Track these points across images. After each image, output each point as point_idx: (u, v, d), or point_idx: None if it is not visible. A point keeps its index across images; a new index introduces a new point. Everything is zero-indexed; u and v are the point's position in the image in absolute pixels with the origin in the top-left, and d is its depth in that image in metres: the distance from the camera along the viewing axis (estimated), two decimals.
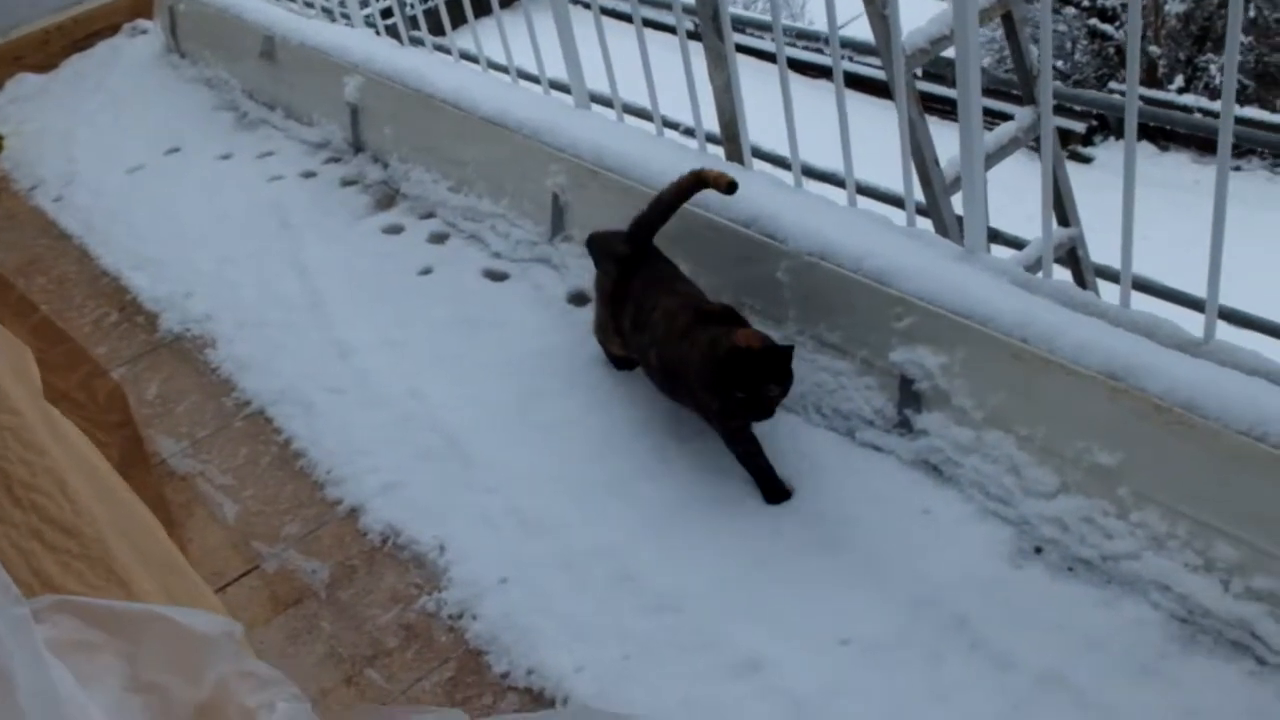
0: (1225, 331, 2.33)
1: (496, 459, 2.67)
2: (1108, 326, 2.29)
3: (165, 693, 1.19)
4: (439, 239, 3.60)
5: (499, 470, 2.64)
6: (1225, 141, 2.09)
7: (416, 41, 4.13)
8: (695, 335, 2.43)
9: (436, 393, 2.91)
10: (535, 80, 3.71)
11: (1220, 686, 1.95)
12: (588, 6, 3.43)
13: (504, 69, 3.77)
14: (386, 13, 4.16)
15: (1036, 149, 2.49)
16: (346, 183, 3.97)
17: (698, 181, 2.64)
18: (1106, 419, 2.18)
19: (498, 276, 3.38)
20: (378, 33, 4.22)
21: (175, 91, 4.84)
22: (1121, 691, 1.97)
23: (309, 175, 4.06)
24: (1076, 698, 1.95)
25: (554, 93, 3.62)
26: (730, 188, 2.61)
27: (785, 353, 2.34)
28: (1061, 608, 2.13)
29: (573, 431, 2.71)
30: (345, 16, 4.37)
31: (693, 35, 3.11)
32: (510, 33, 3.61)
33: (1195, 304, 2.30)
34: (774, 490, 2.45)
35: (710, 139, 3.25)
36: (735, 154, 3.20)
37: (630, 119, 3.46)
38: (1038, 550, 2.25)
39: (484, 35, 3.76)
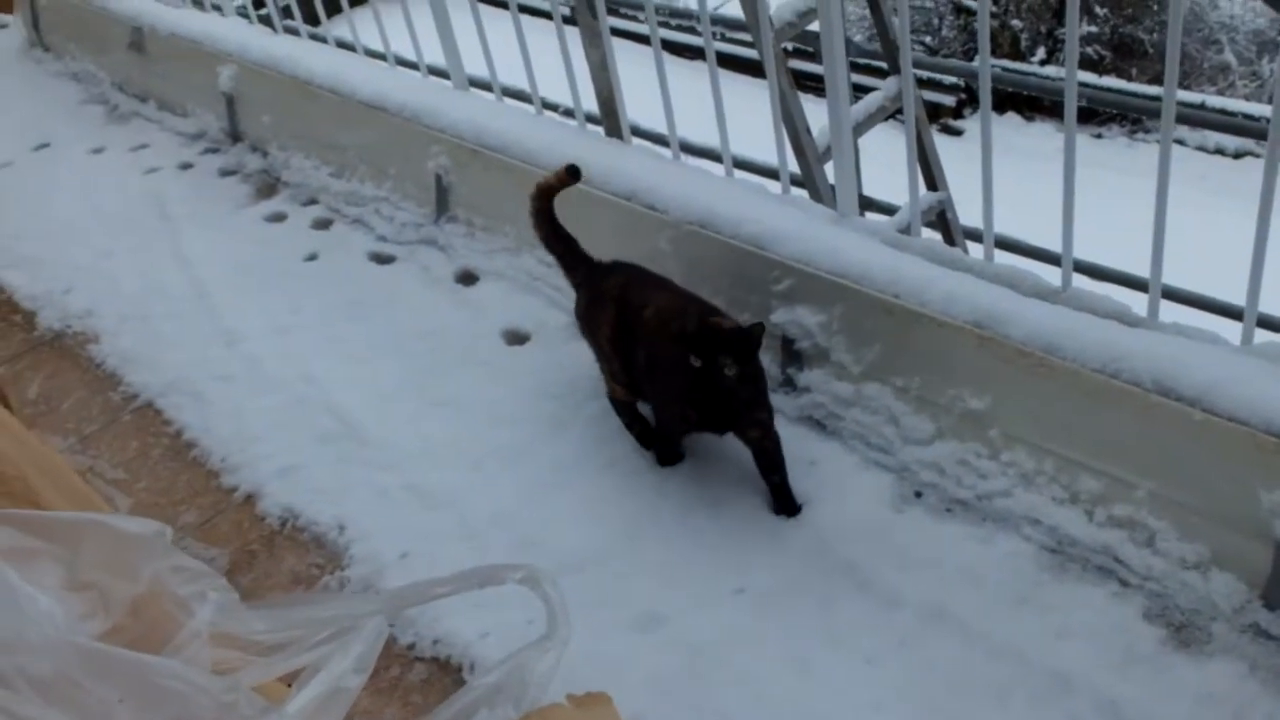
0: (1086, 285, 2.48)
1: (392, 437, 2.70)
2: (974, 279, 2.41)
3: (104, 589, 1.23)
4: (323, 225, 3.60)
5: (395, 447, 2.67)
6: (1071, 108, 2.23)
7: (291, 31, 4.10)
8: (673, 324, 2.32)
9: (328, 375, 2.92)
10: (414, 66, 3.73)
11: (1089, 609, 2.08)
12: None
13: (381, 56, 3.77)
14: (259, 2, 4.12)
15: (904, 120, 2.60)
16: (226, 173, 3.93)
17: (544, 193, 2.62)
18: (975, 366, 2.30)
19: (384, 259, 3.39)
20: (250, 22, 4.18)
21: (41, 86, 4.73)
22: (1000, 620, 2.09)
23: (186, 167, 4.01)
24: (959, 628, 2.06)
25: (433, 78, 3.64)
26: (571, 173, 2.59)
27: (749, 335, 2.24)
28: (942, 547, 2.24)
29: (468, 406, 2.75)
30: (216, 7, 4.31)
31: (569, 20, 3.16)
32: (387, 22, 3.62)
33: (1055, 259, 2.44)
34: (662, 454, 2.51)
35: (590, 119, 3.31)
36: (614, 130, 3.26)
37: (510, 101, 3.49)
38: (918, 495, 2.37)
39: (360, 24, 3.76)
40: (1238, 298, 2.20)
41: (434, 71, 3.66)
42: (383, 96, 3.47)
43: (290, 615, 1.42)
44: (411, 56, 3.67)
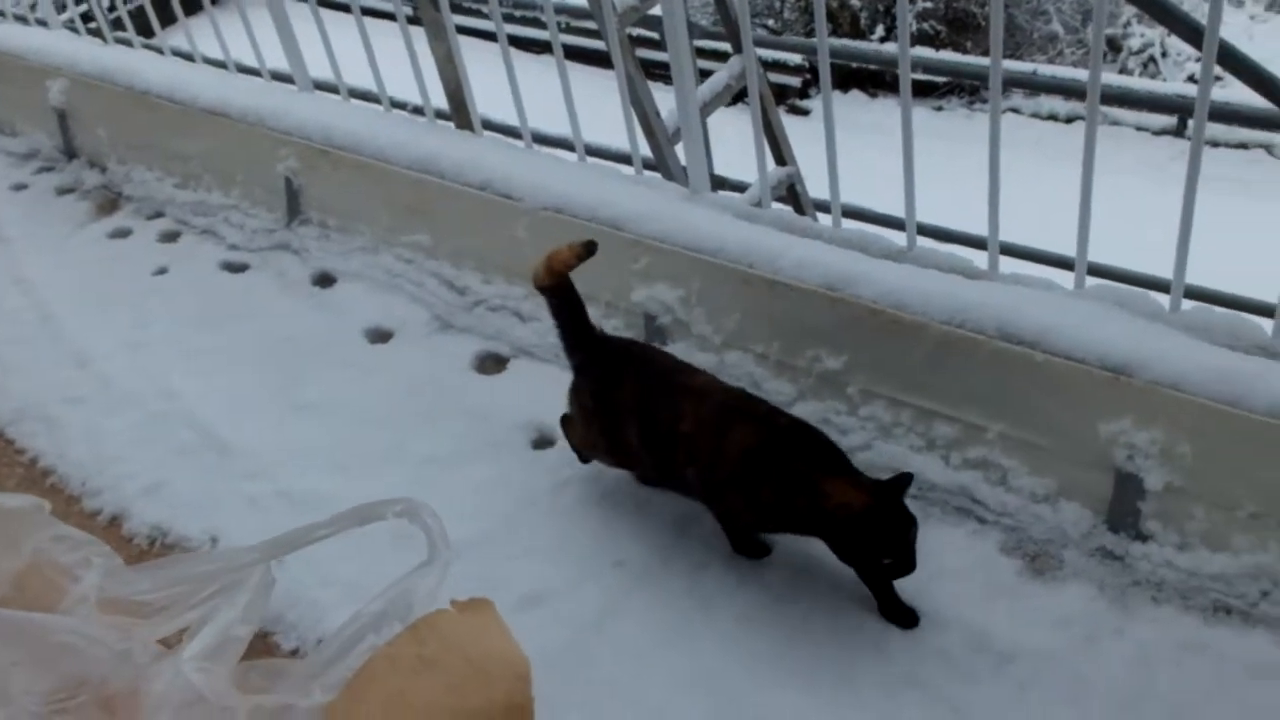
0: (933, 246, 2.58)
1: (259, 444, 2.66)
2: (824, 245, 2.49)
3: None
4: (171, 237, 3.52)
5: (262, 455, 2.63)
6: (905, 83, 2.32)
7: (124, 42, 3.99)
8: (777, 473, 2.02)
9: (188, 389, 2.86)
10: (255, 73, 3.67)
11: (952, 548, 2.18)
12: None
13: (221, 64, 3.70)
14: (88, 16, 4.00)
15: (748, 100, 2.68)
16: (62, 191, 3.82)
17: (561, 270, 2.29)
18: (830, 327, 2.37)
19: (238, 268, 3.34)
20: (79, 34, 4.05)
21: None
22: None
23: (20, 188, 3.88)
24: (830, 580, 2.13)
25: (276, 82, 3.59)
26: (589, 248, 2.28)
27: (898, 497, 1.96)
28: None
29: (334, 407, 2.73)
30: (41, 21, 4.17)
31: (413, 20, 3.16)
32: (226, 29, 3.55)
33: (901, 224, 2.54)
34: (748, 545, 2.21)
35: (441, 116, 3.30)
36: (465, 123, 3.27)
37: (357, 103, 3.46)
38: None
39: (198, 32, 3.68)
40: (1070, 249, 2.32)
41: (277, 76, 3.60)
42: (225, 102, 3.41)
43: (175, 573, 1.41)
44: (252, 62, 3.61)
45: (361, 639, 1.43)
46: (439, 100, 3.27)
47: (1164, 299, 2.23)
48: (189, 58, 3.79)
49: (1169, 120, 8.90)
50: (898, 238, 2.55)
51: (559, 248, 2.27)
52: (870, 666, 1.99)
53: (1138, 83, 8.39)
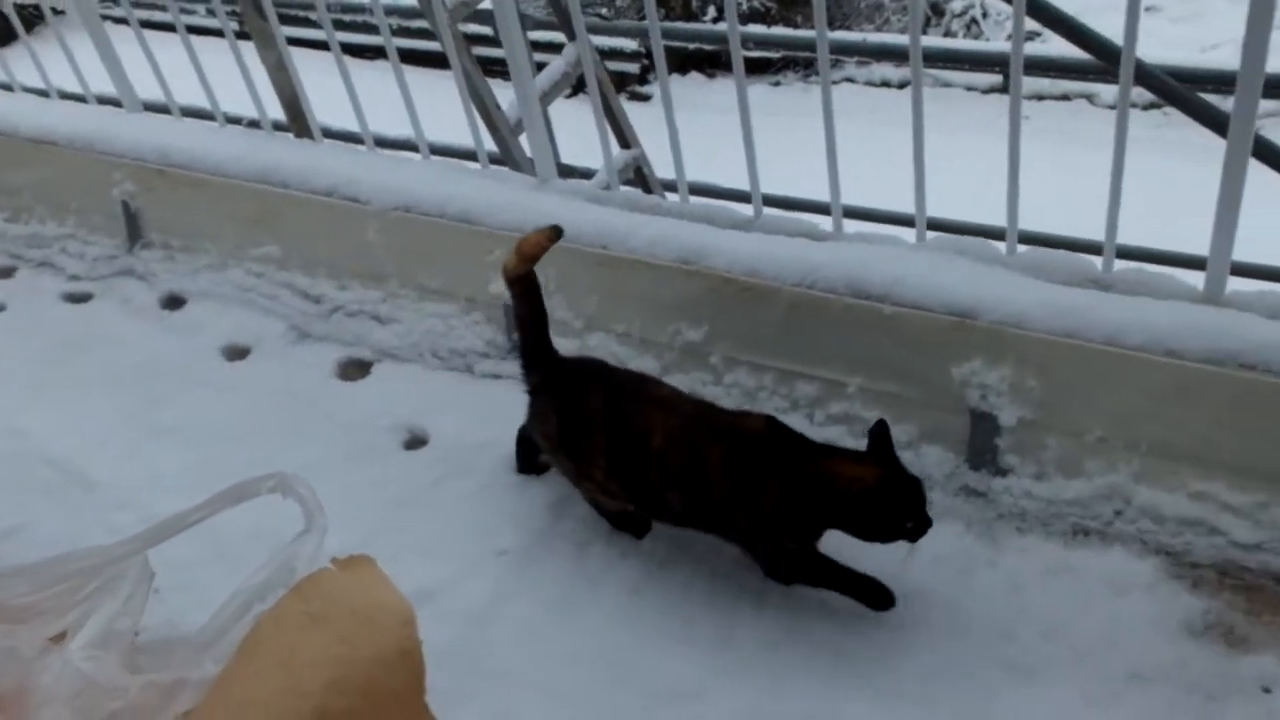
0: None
1: (120, 474, 2.58)
2: (674, 221, 2.53)
3: None
4: (5, 274, 3.39)
5: (126, 484, 2.55)
6: (737, 61, 2.38)
7: None
8: (771, 475, 1.94)
9: (39, 426, 2.76)
10: (80, 98, 3.56)
11: None
12: (120, 21, 3.33)
13: (43, 92, 3.58)
14: None
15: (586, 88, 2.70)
16: None
17: (531, 256, 2.19)
18: (688, 300, 2.42)
19: (80, 298, 3.23)
20: None
21: None
22: None
23: None
24: (707, 543, 2.17)
25: (102, 106, 3.48)
26: (556, 232, 2.21)
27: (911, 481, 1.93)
28: None
29: (195, 429, 2.67)
30: None
31: (241, 35, 3.10)
32: (45, 57, 3.42)
33: (748, 197, 2.60)
34: (881, 595, 2.01)
35: (279, 127, 3.25)
36: (304, 130, 3.22)
37: (191, 121, 3.38)
38: None
39: (14, 63, 3.55)
40: (911, 207, 2.41)
41: (104, 100, 3.50)
42: (49, 130, 3.29)
43: (53, 572, 1.39)
44: (76, 88, 3.50)
45: (248, 609, 1.44)
46: (275, 111, 3.22)
47: (1002, 245, 2.33)
48: (7, 88, 3.65)
49: (995, 78, 9.22)
50: (745, 209, 2.61)
51: (526, 234, 2.20)
52: (750, 623, 2.04)
53: (962, 44, 8.69)
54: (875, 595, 1.99)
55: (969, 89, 9.44)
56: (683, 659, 1.99)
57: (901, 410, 2.26)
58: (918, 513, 1.91)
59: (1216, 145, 2.04)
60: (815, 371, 2.33)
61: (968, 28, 10.03)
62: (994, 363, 2.12)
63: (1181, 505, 2.05)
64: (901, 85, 9.88)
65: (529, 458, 2.38)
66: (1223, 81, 3.92)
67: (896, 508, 1.89)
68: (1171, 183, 5.45)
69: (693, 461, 2.00)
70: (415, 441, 2.57)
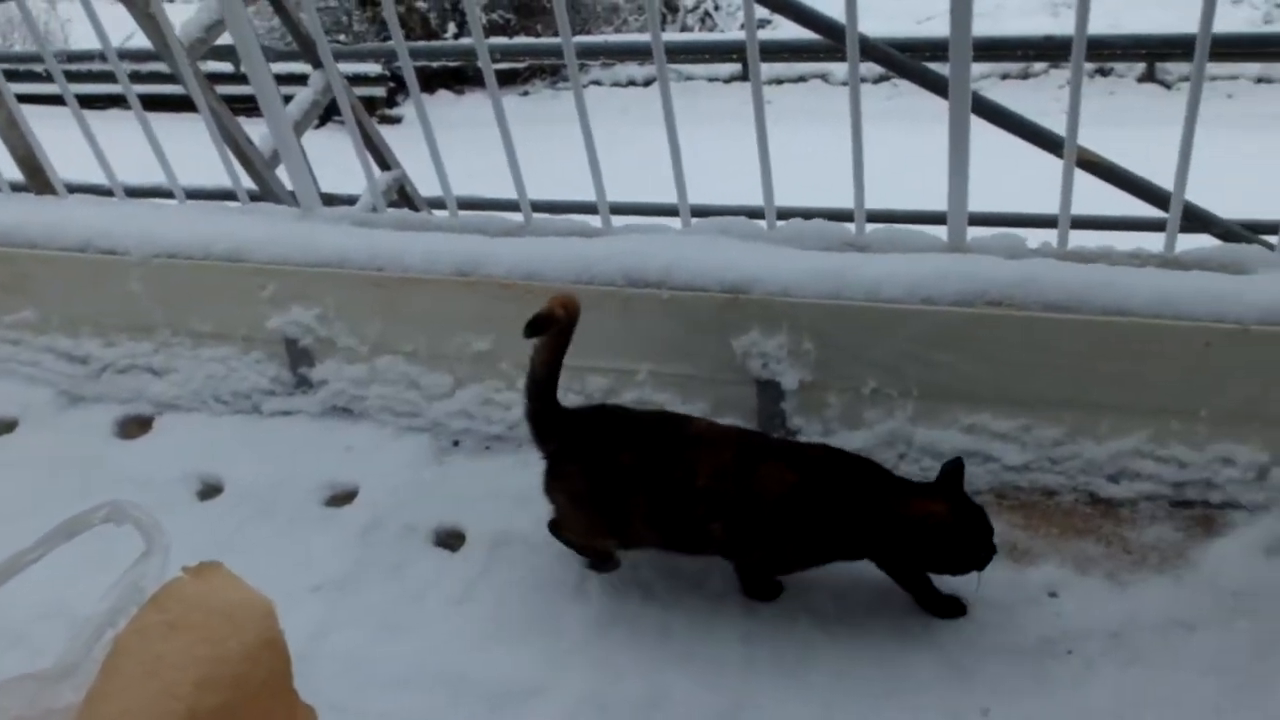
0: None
1: None
2: (446, 235, 2.56)
3: None
4: None
5: None
6: (489, 74, 2.41)
7: None
8: (838, 508, 1.92)
9: None
10: None
11: None
12: None
13: None
14: None
15: (338, 112, 2.69)
16: None
17: (557, 323, 2.02)
18: (471, 311, 2.44)
19: None
20: None
21: None
22: None
23: None
24: (525, 544, 2.22)
25: None
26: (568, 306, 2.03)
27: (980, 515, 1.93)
28: (491, 481, 2.38)
29: None
30: None
31: None
32: None
33: (515, 205, 2.63)
34: (945, 603, 2.01)
35: (17, 186, 3.10)
36: (45, 187, 3.09)
37: None
38: (455, 443, 2.50)
39: None
40: (671, 197, 2.50)
41: None
42: None
43: None
44: None
45: (100, 635, 1.41)
46: (11, 171, 3.07)
47: (762, 223, 2.45)
48: None
49: (735, 67, 9.57)
50: (516, 217, 2.66)
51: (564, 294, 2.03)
52: (576, 612, 2.09)
53: (699, 37, 8.97)
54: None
55: (711, 80, 9.76)
56: (517, 658, 2.01)
57: (691, 389, 2.35)
58: (986, 542, 1.92)
59: (943, 109, 2.20)
60: (605, 363, 2.39)
61: (702, 21, 10.36)
62: (770, 332, 2.23)
63: (956, 439, 2.21)
64: (647, 83, 10.13)
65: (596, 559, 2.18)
66: (938, 48, 4.20)
67: (969, 540, 1.91)
68: (908, 148, 5.78)
69: (748, 490, 1.93)
70: (210, 490, 2.50)
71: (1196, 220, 3.59)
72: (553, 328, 2.00)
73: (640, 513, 1.99)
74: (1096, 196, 3.78)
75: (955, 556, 1.91)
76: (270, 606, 1.48)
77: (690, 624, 2.05)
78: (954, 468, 1.92)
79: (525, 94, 10.90)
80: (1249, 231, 3.71)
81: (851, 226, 2.40)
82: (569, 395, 2.43)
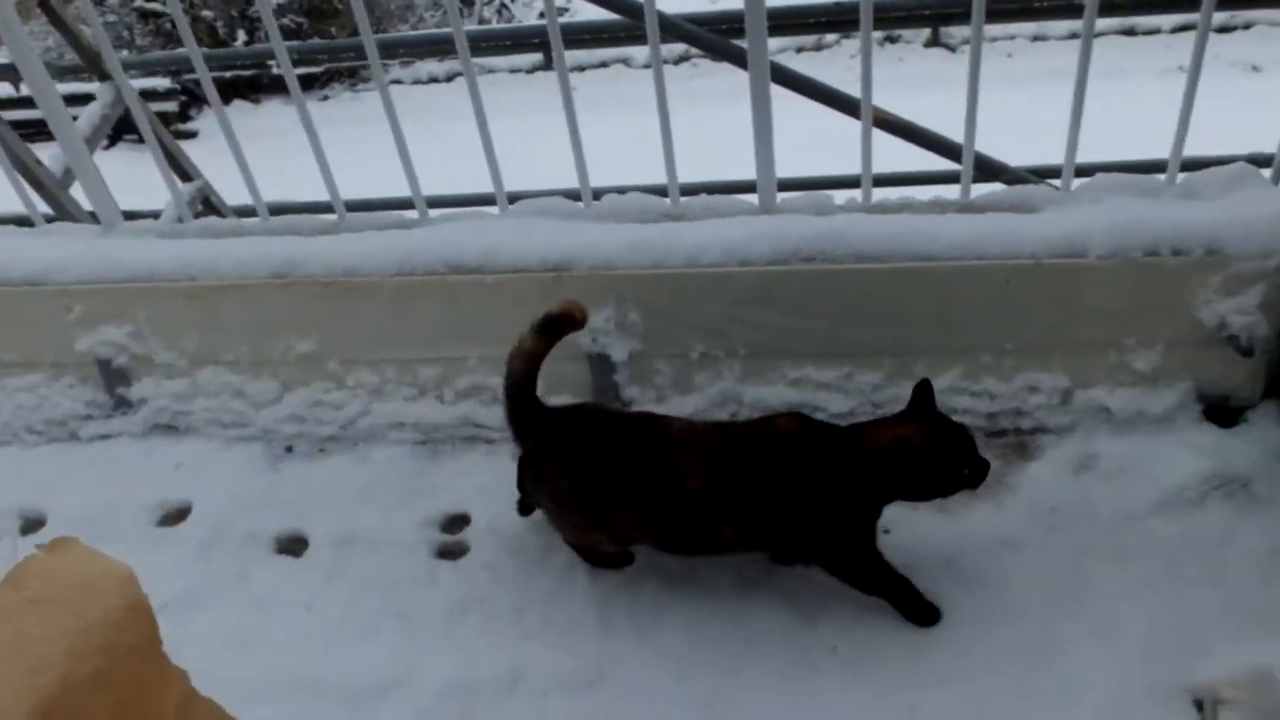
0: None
1: None
2: (258, 239, 2.51)
3: None
4: None
5: None
6: (291, 79, 2.37)
7: None
8: (822, 467, 1.88)
9: None
10: None
11: (478, 472, 2.32)
12: None
13: None
14: None
15: (127, 130, 2.60)
16: None
17: (572, 327, 1.98)
18: (291, 313, 2.40)
19: None
20: None
21: None
22: (402, 518, 2.26)
23: None
24: (369, 542, 2.20)
25: None
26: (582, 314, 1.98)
27: (957, 429, 1.90)
28: (330, 483, 2.35)
29: None
30: None
31: None
32: None
33: (326, 208, 2.59)
34: (925, 609, 1.97)
35: None
36: None
37: None
38: (289, 449, 2.45)
39: None
40: (483, 187, 2.51)
41: None
42: None
43: None
44: None
45: None
46: None
47: (580, 204, 2.48)
48: None
49: (537, 58, 9.58)
50: (330, 217, 2.62)
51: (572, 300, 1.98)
52: (427, 602, 2.10)
53: (502, 27, 8.95)
54: (923, 612, 1.97)
55: (513, 71, 9.75)
56: (373, 656, 2.00)
57: None
58: (971, 457, 1.87)
59: (743, 83, 2.27)
60: (434, 353, 2.39)
61: (499, 13, 10.34)
62: (596, 306, 2.26)
63: (784, 393, 2.29)
64: (450, 78, 10.05)
65: (613, 555, 2.11)
66: (734, 20, 4.31)
67: (947, 459, 1.86)
68: (713, 124, 5.91)
69: (742, 488, 1.89)
70: (33, 525, 2.40)
71: (988, 169, 3.79)
72: (566, 331, 1.94)
73: (627, 514, 1.94)
74: (896, 156, 3.96)
75: (937, 478, 1.87)
76: (130, 572, 1.44)
77: (543, 599, 2.07)
78: (922, 389, 1.89)
79: (325, 98, 10.68)
80: (1035, 176, 3.93)
81: (667, 200, 2.45)
82: (401, 389, 2.43)
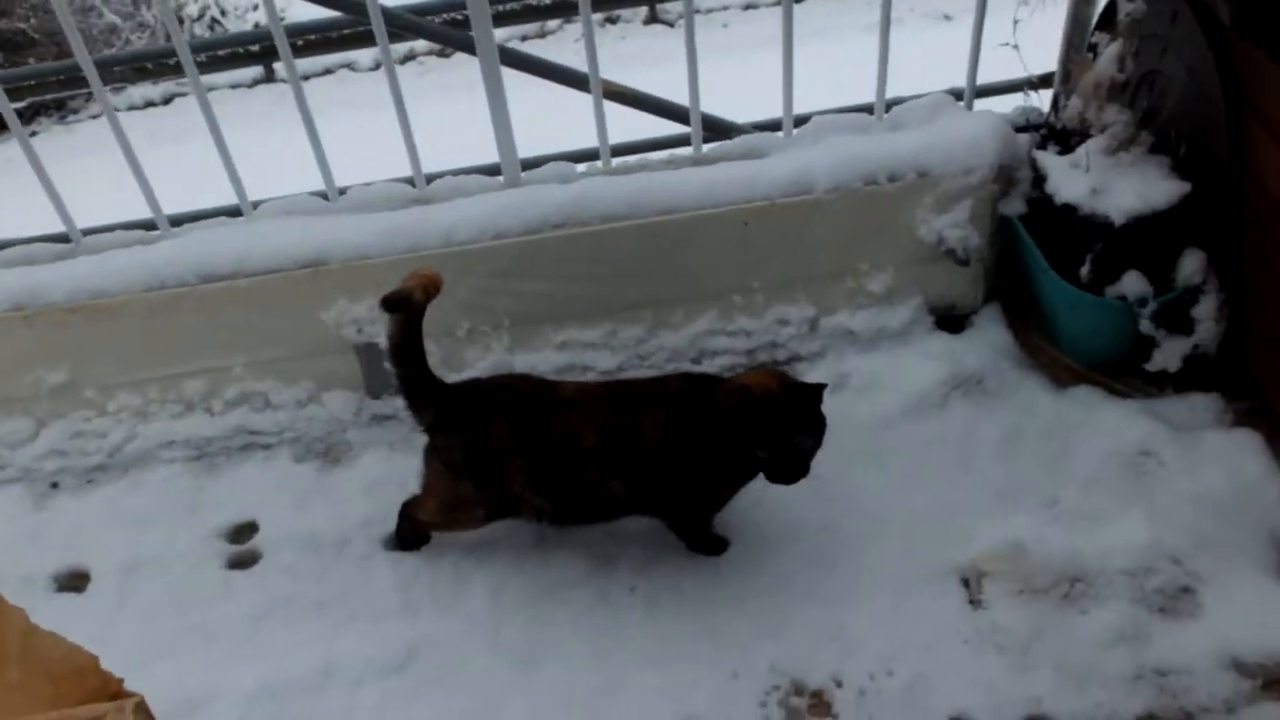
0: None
1: None
2: None
3: None
4: None
5: None
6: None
7: None
8: (678, 416, 1.92)
9: None
10: None
11: (252, 480, 2.30)
12: None
13: None
14: None
15: None
16: None
17: (419, 304, 1.90)
18: (36, 345, 2.30)
19: None
20: None
21: None
22: (182, 534, 2.22)
23: None
24: (158, 564, 2.15)
25: None
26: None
27: (815, 392, 1.88)
28: (102, 512, 2.28)
29: None
30: None
31: None
32: None
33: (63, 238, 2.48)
34: (717, 541, 2.11)
35: None
36: None
37: None
38: (54, 485, 2.36)
39: None
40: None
41: None
42: None
43: None
44: None
45: None
46: None
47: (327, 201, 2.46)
48: None
49: (258, 71, 9.31)
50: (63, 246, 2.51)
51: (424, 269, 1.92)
52: (225, 613, 2.09)
53: (224, 37, 8.66)
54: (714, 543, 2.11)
55: (234, 86, 9.45)
56: (178, 674, 1.98)
57: (293, 370, 2.35)
58: (807, 419, 1.87)
59: (472, 77, 2.29)
60: (197, 365, 2.34)
61: (211, 28, 9.99)
62: (357, 297, 2.28)
63: (553, 358, 2.37)
64: (167, 101, 9.66)
65: (411, 535, 2.14)
66: (458, 7, 4.34)
67: (795, 407, 1.86)
68: (449, 118, 5.92)
69: (630, 442, 1.93)
70: None
71: (718, 129, 3.95)
72: (408, 309, 1.91)
73: (521, 479, 1.96)
74: (633, 127, 4.08)
75: (784, 425, 1.86)
76: (21, 614, 1.40)
77: (344, 591, 2.08)
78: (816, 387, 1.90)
79: (34, 134, 10.06)
80: (764, 131, 4.12)
81: (412, 189, 2.47)
82: (167, 406, 2.38)
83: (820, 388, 1.87)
